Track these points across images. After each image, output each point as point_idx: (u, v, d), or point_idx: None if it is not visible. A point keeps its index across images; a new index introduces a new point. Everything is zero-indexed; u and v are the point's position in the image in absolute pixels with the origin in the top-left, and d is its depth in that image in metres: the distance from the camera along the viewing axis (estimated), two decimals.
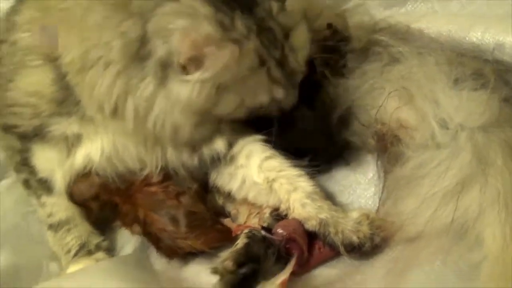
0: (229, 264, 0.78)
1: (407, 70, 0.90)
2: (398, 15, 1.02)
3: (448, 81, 0.85)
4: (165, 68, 0.77)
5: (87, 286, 0.85)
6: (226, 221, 0.95)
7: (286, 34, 0.82)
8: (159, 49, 0.76)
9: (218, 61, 0.74)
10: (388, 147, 0.89)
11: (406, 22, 0.97)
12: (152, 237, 0.94)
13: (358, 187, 0.94)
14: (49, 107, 0.89)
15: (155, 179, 0.93)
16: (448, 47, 0.91)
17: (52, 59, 0.85)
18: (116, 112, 0.83)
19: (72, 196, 0.97)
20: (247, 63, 0.78)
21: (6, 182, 1.10)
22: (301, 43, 0.84)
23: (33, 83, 0.89)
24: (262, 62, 0.80)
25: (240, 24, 0.76)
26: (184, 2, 0.76)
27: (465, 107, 0.82)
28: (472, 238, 0.72)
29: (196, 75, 0.76)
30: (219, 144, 0.90)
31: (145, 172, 0.93)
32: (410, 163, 0.84)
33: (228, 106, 0.82)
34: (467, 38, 0.91)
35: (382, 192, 0.88)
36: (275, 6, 0.80)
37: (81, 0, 0.82)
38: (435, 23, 0.95)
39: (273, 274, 0.79)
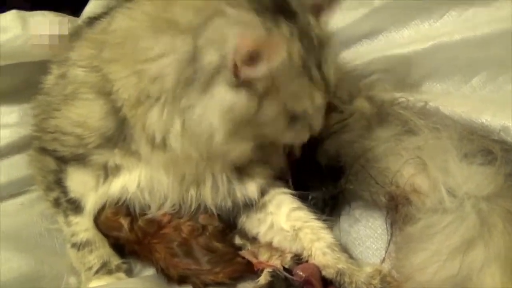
0: None
1: (423, 141, 0.96)
2: (416, 93, 1.09)
3: (459, 154, 0.92)
4: (214, 75, 0.76)
5: None
6: (247, 254, 0.98)
7: (321, 46, 0.85)
8: (210, 57, 0.76)
9: (274, 57, 0.72)
10: (399, 208, 0.95)
11: (423, 99, 1.04)
12: (174, 278, 0.97)
13: (368, 240, 1.01)
14: (95, 140, 0.90)
15: (185, 218, 0.97)
16: (460, 125, 0.98)
17: (106, 94, 0.86)
18: (164, 143, 0.84)
19: (96, 223, 0.99)
20: (294, 64, 0.79)
21: (30, 196, 1.11)
22: (332, 57, 0.87)
23: (83, 114, 0.90)
24: (304, 65, 0.81)
25: (285, 28, 0.79)
26: (231, 14, 0.76)
27: (473, 179, 0.88)
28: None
29: (253, 71, 0.74)
30: (253, 190, 0.95)
31: (166, 209, 0.96)
32: (420, 223, 0.89)
33: (269, 113, 0.81)
34: (478, 120, 0.98)
35: (388, 245, 0.95)
36: (312, 19, 0.85)
37: (130, 31, 0.84)
38: (450, 103, 1.02)
39: None
